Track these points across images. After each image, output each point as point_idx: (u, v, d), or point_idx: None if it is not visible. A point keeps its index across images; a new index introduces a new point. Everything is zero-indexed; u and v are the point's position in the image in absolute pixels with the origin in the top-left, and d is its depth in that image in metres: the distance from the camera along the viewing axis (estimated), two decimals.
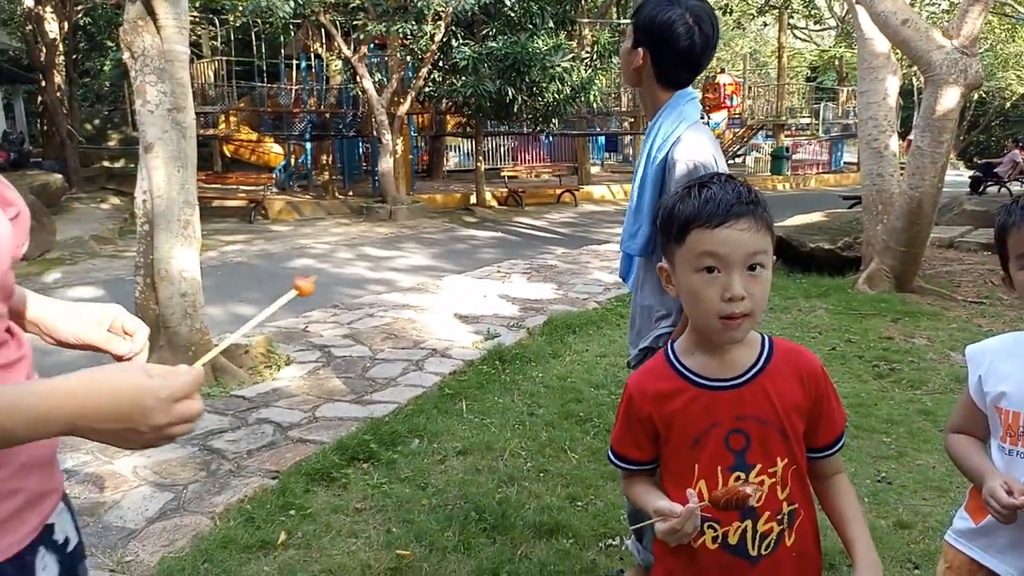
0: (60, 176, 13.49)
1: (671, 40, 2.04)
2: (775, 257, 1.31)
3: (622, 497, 3.23)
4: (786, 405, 1.31)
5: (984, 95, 30.60)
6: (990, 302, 6.89)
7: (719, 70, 26.03)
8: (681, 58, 2.07)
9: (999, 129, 32.45)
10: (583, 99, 15.07)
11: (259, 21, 14.47)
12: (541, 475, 3.46)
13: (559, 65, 13.87)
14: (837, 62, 31.00)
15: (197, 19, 15.62)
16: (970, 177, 19.51)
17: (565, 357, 5.29)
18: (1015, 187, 18.83)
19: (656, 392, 1.35)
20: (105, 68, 18.74)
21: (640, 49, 2.11)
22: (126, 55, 4.26)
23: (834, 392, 1.38)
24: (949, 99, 6.74)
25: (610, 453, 1.44)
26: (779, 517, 1.31)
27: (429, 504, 3.15)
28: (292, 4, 12.73)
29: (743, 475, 1.29)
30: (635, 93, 20.64)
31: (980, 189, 18.31)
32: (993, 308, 6.66)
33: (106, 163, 19.73)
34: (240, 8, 13.58)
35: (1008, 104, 31.78)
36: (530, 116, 15.14)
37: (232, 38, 16.64)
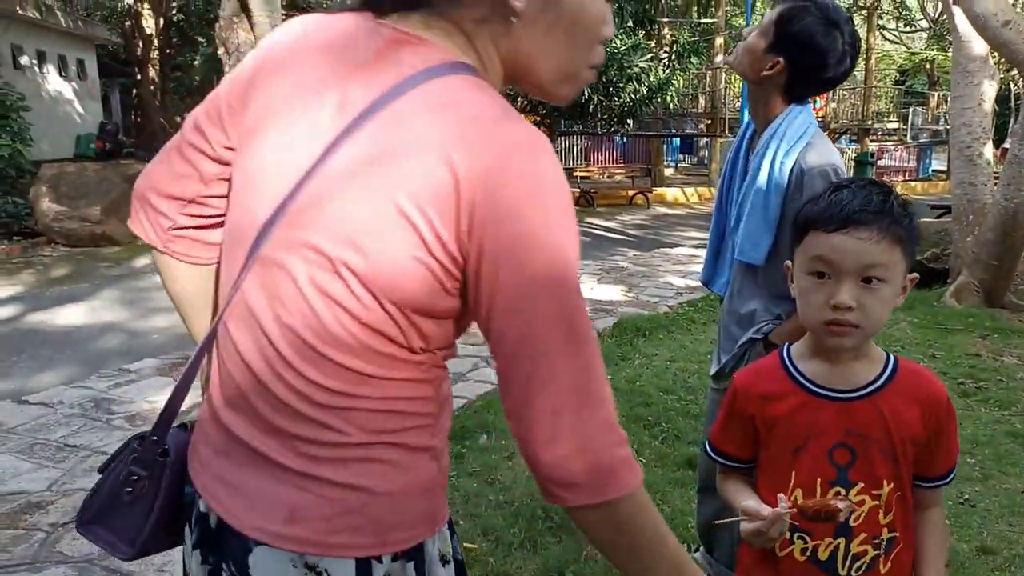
0: None
1: (822, 66, 1.97)
2: (914, 274, 1.25)
3: (690, 504, 3.20)
4: (901, 429, 1.26)
5: None
6: None
7: None
8: (822, 83, 2.04)
9: None
10: (660, 100, 14.93)
11: None
12: None
13: (637, 65, 13.77)
14: (928, 65, 29.77)
15: (285, 15, 16.10)
16: None
17: (634, 360, 5.25)
18: None
19: (762, 392, 1.32)
20: (196, 63, 19.53)
21: (780, 57, 1.99)
22: (220, 50, 4.45)
23: (955, 424, 1.32)
24: None
25: (707, 445, 1.42)
26: (876, 541, 1.27)
27: (496, 500, 3.18)
28: None
29: (843, 491, 1.26)
30: (714, 94, 20.34)
31: None
32: None
33: None
34: (326, 4, 13.94)
35: None
36: (605, 116, 15.07)
37: None
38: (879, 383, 1.27)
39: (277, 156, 0.88)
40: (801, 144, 1.98)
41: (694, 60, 18.27)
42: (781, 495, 1.21)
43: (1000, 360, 5.37)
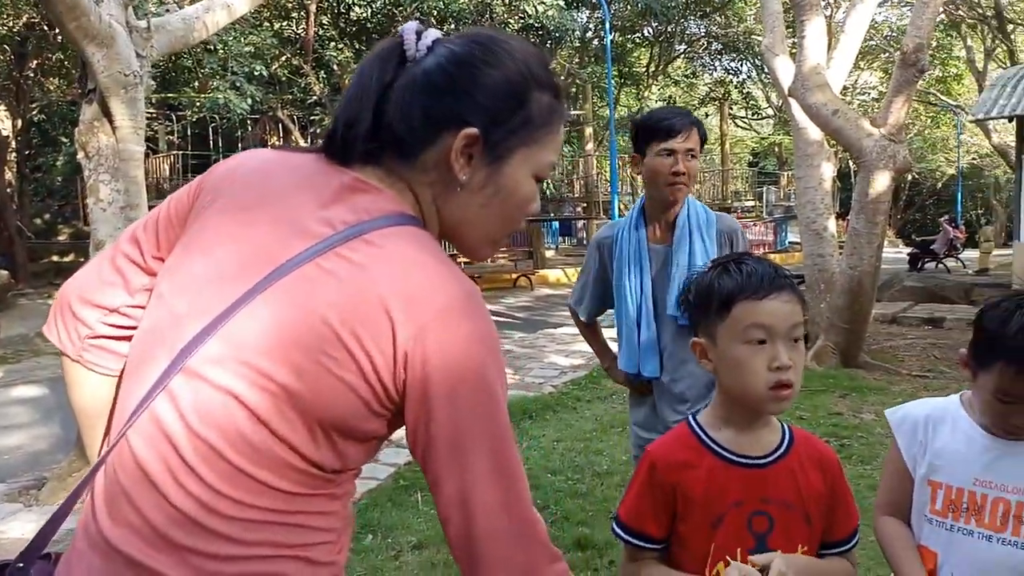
0: (6, 272, 13.26)
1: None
2: None
3: None
4: (810, 491, 1.31)
5: (917, 176, 32.25)
6: (934, 375, 7.11)
7: None
8: None
9: (933, 208, 34.11)
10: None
11: (216, 116, 14.70)
12: None
13: None
14: (777, 148, 32.54)
15: (153, 115, 15.81)
16: (908, 254, 20.34)
17: (522, 443, 5.27)
18: (950, 263, 19.67)
19: (682, 461, 1.32)
20: (57, 164, 18.73)
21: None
22: (80, 155, 4.32)
23: (847, 487, 1.38)
24: (880, 183, 7.12)
25: (618, 528, 1.36)
26: None
27: None
28: (250, 101, 13.00)
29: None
30: (587, 180, 21.34)
31: (919, 265, 19.08)
32: (937, 381, 6.86)
33: (55, 258, 19.41)
34: (197, 104, 13.81)
35: (939, 184, 33.52)
36: None
37: (189, 132, 16.85)
38: (784, 448, 1.33)
39: (217, 273, 0.92)
40: (712, 217, 2.42)
41: (567, 148, 19.21)
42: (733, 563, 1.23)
43: (860, 417, 5.75)
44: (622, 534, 1.35)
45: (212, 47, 13.51)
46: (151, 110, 14.17)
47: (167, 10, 5.15)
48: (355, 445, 0.92)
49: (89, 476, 0.95)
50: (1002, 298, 1.48)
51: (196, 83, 16.05)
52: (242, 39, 13.37)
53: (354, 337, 0.86)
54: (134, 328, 1.02)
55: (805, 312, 1.31)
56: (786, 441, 1.34)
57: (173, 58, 14.46)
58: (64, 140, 18.85)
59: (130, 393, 0.94)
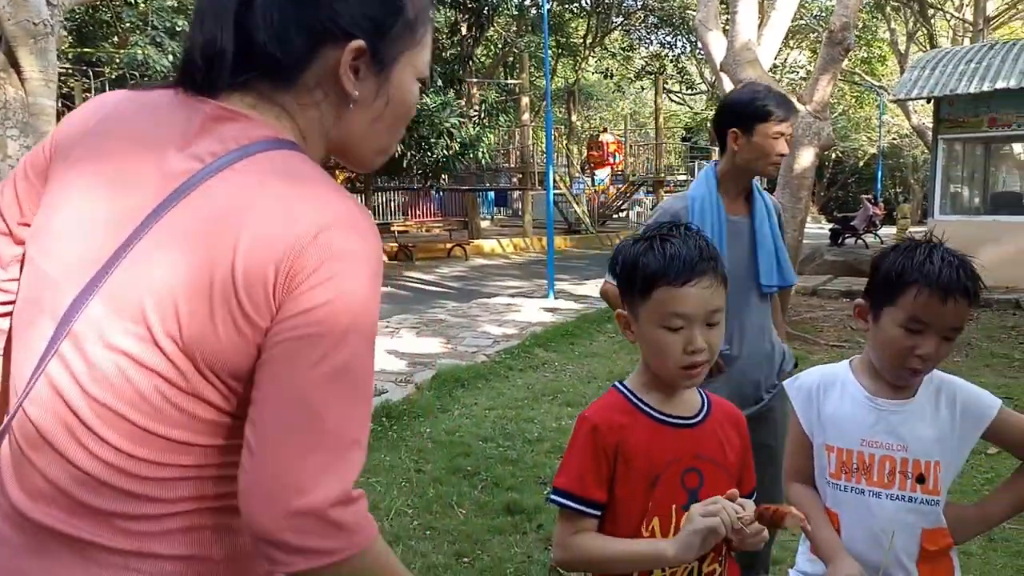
0: None
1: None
2: None
3: (510, 551, 3.25)
4: (731, 448, 1.38)
5: (840, 155, 33.34)
6: (850, 345, 7.42)
7: (602, 129, 27.27)
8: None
9: (855, 186, 35.35)
10: (472, 155, 15.38)
11: (136, 73, 14.06)
12: (427, 533, 3.43)
13: (447, 122, 14.14)
14: (709, 123, 33.01)
15: (69, 71, 15.01)
16: (830, 230, 21.08)
17: (454, 411, 5.29)
18: (869, 238, 20.50)
19: (621, 423, 1.34)
20: None
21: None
22: None
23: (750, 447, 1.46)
24: (804, 159, 7.33)
25: (558, 497, 1.34)
26: (720, 559, 1.35)
27: None
28: (171, 57, 12.45)
29: (697, 561, 1.30)
30: (523, 150, 21.31)
31: (839, 241, 19.81)
32: (852, 351, 7.15)
33: None
34: (117, 61, 13.16)
35: (861, 163, 34.74)
36: (420, 171, 15.29)
37: (107, 90, 16.05)
38: (707, 409, 1.39)
39: (87, 229, 0.87)
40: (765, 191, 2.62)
41: (502, 118, 19.10)
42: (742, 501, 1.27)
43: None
44: (564, 501, 1.33)
45: (132, 0, 12.86)
46: (67, 65, 13.43)
47: None
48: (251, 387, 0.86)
49: None
50: (893, 246, 1.57)
51: (115, 38, 15.27)
52: None
53: (235, 273, 0.81)
54: (11, 303, 0.97)
55: (727, 288, 1.33)
56: (705, 403, 1.40)
57: (90, 11, 13.71)
58: None
59: (21, 364, 0.90)
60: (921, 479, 1.52)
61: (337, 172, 18.53)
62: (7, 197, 0.97)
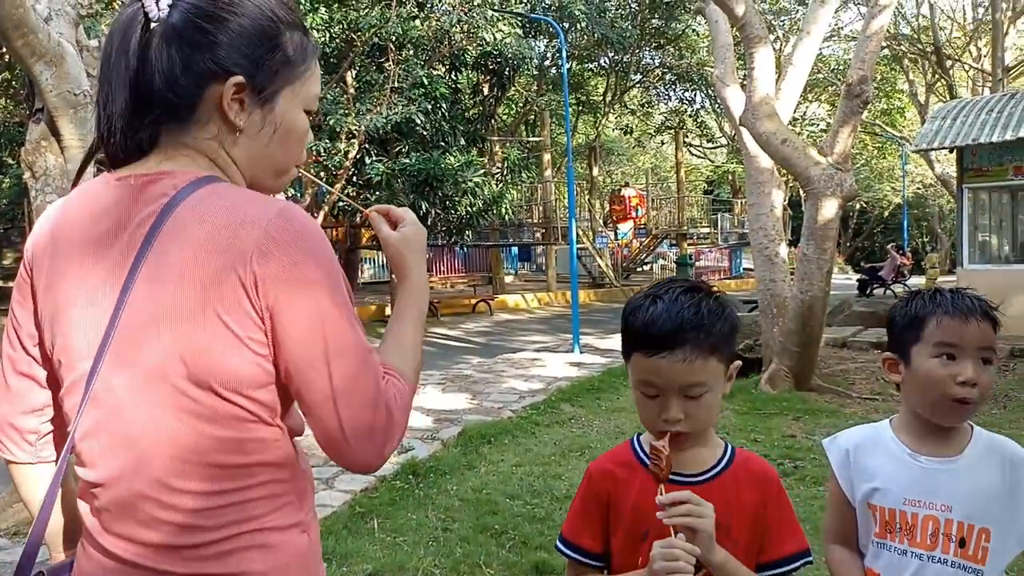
0: None
1: None
2: (738, 363, 1.32)
3: None
4: (740, 508, 1.29)
5: (865, 205, 33.25)
6: (883, 397, 7.27)
7: (623, 184, 27.50)
8: None
9: (880, 236, 35.12)
10: (495, 212, 15.55)
11: None
12: None
13: (471, 180, 14.35)
14: (730, 176, 33.25)
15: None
16: (857, 280, 20.88)
17: (480, 468, 5.23)
18: (898, 288, 20.25)
19: (616, 475, 1.34)
20: (3, 185, 18.18)
21: None
22: (27, 175, 4.20)
23: (788, 508, 1.34)
24: (828, 210, 7.32)
25: (560, 544, 1.39)
26: None
27: None
28: None
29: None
30: (546, 205, 21.46)
31: (867, 292, 19.60)
32: (886, 403, 7.02)
33: (1, 283, 18.81)
34: None
35: (887, 213, 34.58)
36: (444, 228, 15.47)
37: None
38: (719, 467, 1.32)
39: (82, 315, 1.00)
40: None
41: (525, 174, 19.33)
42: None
43: (812, 439, 5.84)
44: (564, 550, 1.37)
45: None
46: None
47: None
48: (267, 391, 0.99)
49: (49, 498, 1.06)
50: (902, 298, 1.61)
51: None
52: None
53: (221, 306, 0.94)
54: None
55: (722, 356, 1.27)
56: (724, 460, 1.34)
57: None
58: (10, 161, 18.36)
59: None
60: (963, 543, 1.44)
61: (362, 230, 18.84)
62: (19, 331, 1.10)
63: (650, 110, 28.11)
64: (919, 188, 31.64)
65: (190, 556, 0.97)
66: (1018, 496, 1.44)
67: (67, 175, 4.20)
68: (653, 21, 21.67)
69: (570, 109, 15.83)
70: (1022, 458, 1.46)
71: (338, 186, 14.49)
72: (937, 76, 22.05)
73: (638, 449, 1.37)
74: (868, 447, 1.58)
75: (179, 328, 0.95)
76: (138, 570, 0.98)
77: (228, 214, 0.96)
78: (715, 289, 1.36)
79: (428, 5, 14.39)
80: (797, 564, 1.30)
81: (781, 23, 23.11)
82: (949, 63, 21.52)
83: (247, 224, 0.96)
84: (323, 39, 13.47)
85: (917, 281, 21.11)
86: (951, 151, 12.30)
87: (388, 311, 16.39)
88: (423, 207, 14.04)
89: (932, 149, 12.91)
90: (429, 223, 14.74)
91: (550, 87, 21.16)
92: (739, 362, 1.34)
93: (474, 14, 13.79)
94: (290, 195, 15.55)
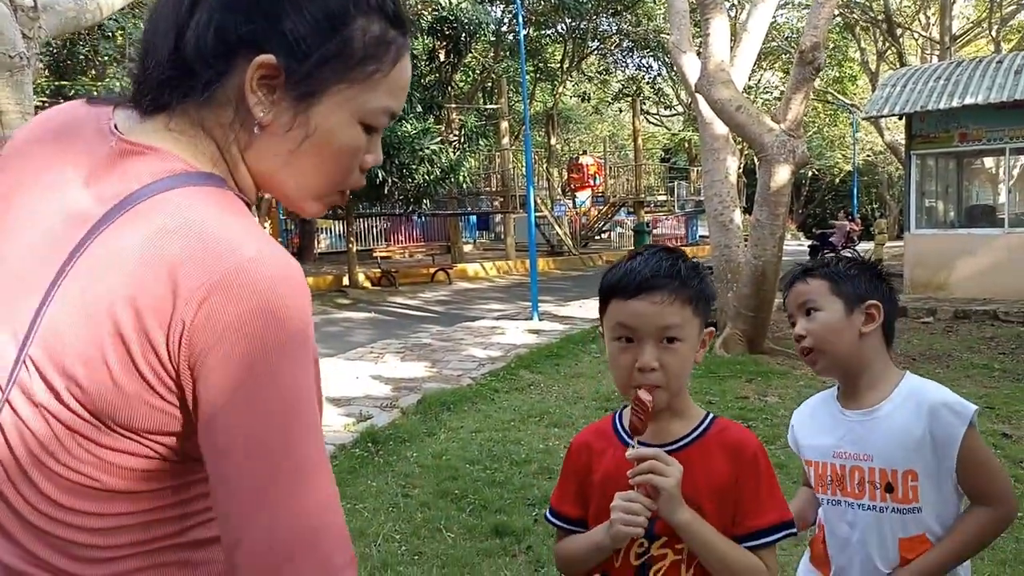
0: None
1: None
2: (711, 328, 1.33)
3: (499, 574, 3.22)
4: (709, 484, 1.26)
5: (816, 172, 33.82)
6: None
7: (581, 152, 27.51)
8: None
9: (831, 203, 35.83)
10: (453, 180, 15.45)
11: None
12: (416, 558, 3.39)
13: (428, 148, 14.21)
14: (687, 144, 33.49)
15: (46, 104, 14.97)
16: (809, 246, 21.31)
17: (440, 435, 5.26)
18: (847, 254, 20.68)
19: (593, 447, 1.38)
20: None
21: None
22: None
23: (768, 478, 1.29)
24: (781, 176, 7.43)
25: (547, 513, 1.43)
26: (679, 547, 1.27)
27: None
28: None
29: (646, 543, 1.27)
30: (504, 174, 21.41)
31: (818, 257, 19.98)
32: None
33: None
34: (94, 93, 13.13)
35: (838, 180, 35.25)
36: (401, 197, 15.32)
37: None
38: (688, 439, 1.30)
39: (11, 269, 0.84)
40: None
41: (482, 142, 19.20)
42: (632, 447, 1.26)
43: (764, 400, 6.00)
44: (549, 517, 1.42)
45: (110, 33, 12.89)
46: (44, 99, 13.39)
47: None
48: (167, 438, 0.82)
49: None
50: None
51: (93, 72, 15.26)
52: (141, 25, 12.84)
53: (132, 329, 0.76)
54: None
55: (696, 311, 1.28)
56: (697, 431, 1.31)
57: (68, 45, 13.68)
58: None
59: None
60: (890, 488, 1.51)
61: None
62: None
63: (607, 77, 28.08)
64: (869, 156, 32.26)
65: (78, 572, 0.84)
66: (939, 438, 1.49)
67: (3, 141, 4.04)
68: None
69: (527, 76, 15.73)
70: (939, 402, 1.50)
71: None
72: (888, 44, 22.40)
73: (617, 423, 1.38)
74: (811, 410, 1.70)
75: (83, 348, 0.78)
76: None
77: (182, 245, 0.77)
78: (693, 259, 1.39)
79: None
80: (777, 536, 1.27)
81: None
82: (899, 31, 21.86)
83: (196, 265, 0.76)
84: None
85: (867, 246, 21.64)
86: (900, 118, 12.56)
87: (345, 281, 16.28)
88: (379, 175, 13.88)
89: (882, 116, 13.16)
90: (386, 191, 14.59)
91: (507, 54, 20.96)
92: (712, 328, 1.35)
93: None
94: None
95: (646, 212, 27.39)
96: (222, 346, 0.75)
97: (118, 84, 12.12)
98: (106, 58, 13.42)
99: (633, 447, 1.25)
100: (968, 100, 10.81)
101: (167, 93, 0.84)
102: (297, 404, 0.78)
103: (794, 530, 1.29)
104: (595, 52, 25.48)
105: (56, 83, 14.26)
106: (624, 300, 1.26)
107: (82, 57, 14.59)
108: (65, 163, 0.86)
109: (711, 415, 1.35)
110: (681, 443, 1.30)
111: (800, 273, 1.63)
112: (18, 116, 4.03)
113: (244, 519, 0.76)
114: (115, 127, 0.86)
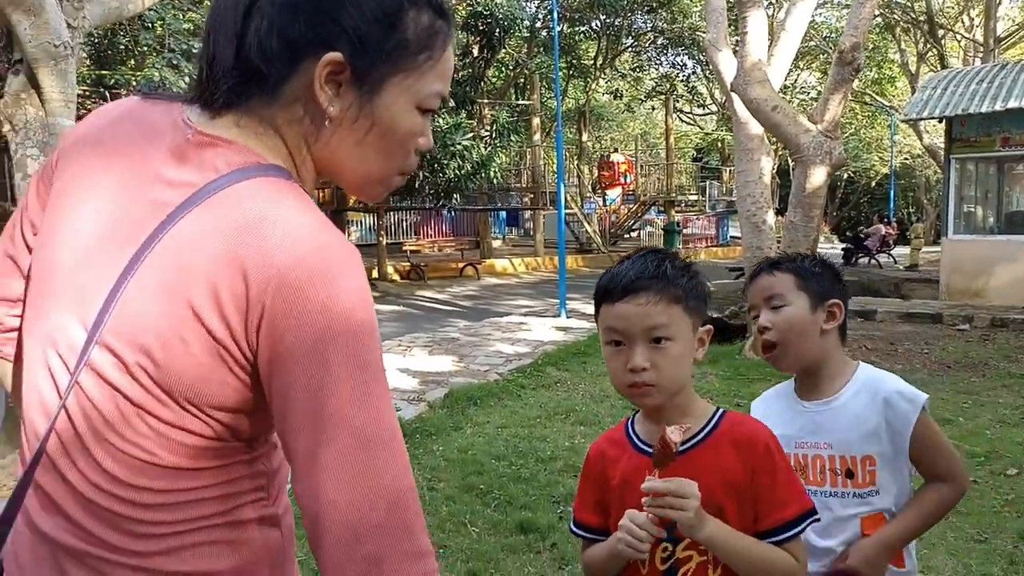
0: None
1: None
2: (709, 327, 1.33)
3: (523, 570, 3.23)
4: (724, 482, 1.26)
5: (852, 175, 33.27)
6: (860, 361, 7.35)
7: (612, 149, 27.35)
8: None
9: (867, 206, 35.20)
10: (483, 175, 15.45)
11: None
12: (440, 552, 3.40)
13: (459, 143, 14.22)
14: (720, 144, 33.14)
15: (88, 93, 15.25)
16: (843, 249, 21.00)
17: (466, 429, 5.28)
18: (882, 258, 20.39)
19: (608, 454, 1.38)
20: None
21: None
22: (6, 128, 4.12)
23: (784, 470, 1.29)
24: (817, 178, 7.33)
25: (571, 524, 1.43)
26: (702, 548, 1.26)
27: None
28: (187, 80, 12.61)
29: (671, 547, 1.27)
30: (534, 170, 21.38)
31: (852, 260, 19.71)
32: None
33: None
34: (134, 83, 13.34)
35: (874, 183, 34.65)
36: (432, 191, 15.37)
37: None
38: (698, 437, 1.29)
39: (85, 251, 0.87)
40: None
41: (514, 138, 19.18)
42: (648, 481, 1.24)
43: None
44: (572, 528, 1.42)
45: (150, 23, 13.06)
46: (86, 88, 13.64)
47: None
48: (233, 416, 0.87)
49: (26, 476, 0.91)
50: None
51: (133, 61, 15.49)
52: (181, 16, 12.97)
53: (211, 312, 0.81)
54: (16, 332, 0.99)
55: (687, 309, 1.28)
56: (705, 431, 1.30)
57: (109, 34, 13.91)
58: None
59: (36, 380, 0.91)
60: (850, 474, 1.58)
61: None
62: (29, 210, 0.97)
63: (641, 75, 27.86)
64: (907, 159, 31.67)
65: (132, 548, 0.88)
66: (894, 425, 1.57)
67: (48, 128, 4.12)
68: None
69: (560, 73, 15.68)
70: (893, 391, 1.58)
71: None
72: (929, 45, 21.96)
73: (630, 430, 1.38)
74: (769, 403, 1.74)
75: (159, 325, 0.84)
76: (66, 554, 0.89)
77: (258, 232, 0.82)
78: (686, 258, 1.40)
79: None
80: (801, 527, 1.26)
81: None
82: (941, 32, 21.42)
83: (273, 253, 0.81)
84: None
85: (902, 251, 21.26)
86: (940, 121, 12.31)
87: (374, 274, 16.39)
88: None
89: (921, 119, 12.91)
90: (417, 185, 14.64)
91: (541, 50, 20.90)
92: (710, 326, 1.35)
93: None
94: None
95: (677, 211, 27.18)
96: (300, 328, 0.80)
97: (157, 74, 12.30)
98: (145, 48, 13.61)
99: (650, 479, 1.23)
100: (1012, 104, 10.54)
101: (236, 95, 0.89)
102: (373, 377, 0.83)
103: (817, 516, 1.30)
104: (629, 49, 25.29)
105: (97, 72, 14.51)
106: (611, 304, 1.29)
107: (122, 47, 14.82)
108: (140, 154, 0.90)
109: (720, 410, 1.34)
110: (691, 442, 1.29)
111: (767, 266, 1.68)
112: (62, 104, 4.10)
113: (329, 488, 0.79)
114: (189, 120, 0.90)
